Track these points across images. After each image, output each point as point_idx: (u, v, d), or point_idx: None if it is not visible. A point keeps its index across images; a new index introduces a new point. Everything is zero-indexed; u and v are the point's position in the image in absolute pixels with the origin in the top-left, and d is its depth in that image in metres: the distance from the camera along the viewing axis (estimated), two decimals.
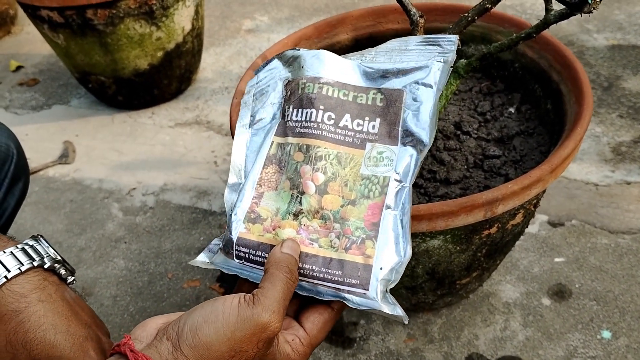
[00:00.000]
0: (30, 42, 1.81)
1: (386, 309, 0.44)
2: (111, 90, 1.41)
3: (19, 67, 1.70)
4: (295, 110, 0.51)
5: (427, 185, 0.77)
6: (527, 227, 0.82)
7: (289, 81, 0.54)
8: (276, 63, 0.57)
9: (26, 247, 0.51)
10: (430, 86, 0.50)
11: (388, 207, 0.47)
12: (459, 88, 0.93)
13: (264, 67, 0.57)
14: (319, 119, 0.49)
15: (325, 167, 0.48)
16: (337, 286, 0.45)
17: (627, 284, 0.91)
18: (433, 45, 0.53)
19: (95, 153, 1.36)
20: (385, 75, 0.51)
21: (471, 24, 0.72)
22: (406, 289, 0.83)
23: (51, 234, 1.16)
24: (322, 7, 1.80)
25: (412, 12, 0.73)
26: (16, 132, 0.76)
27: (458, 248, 0.73)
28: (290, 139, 0.50)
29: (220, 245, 0.51)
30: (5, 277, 0.48)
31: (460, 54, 0.94)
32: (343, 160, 0.48)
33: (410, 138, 0.49)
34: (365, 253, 0.45)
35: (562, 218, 1.03)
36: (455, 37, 0.53)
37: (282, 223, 0.49)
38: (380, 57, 0.54)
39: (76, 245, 1.13)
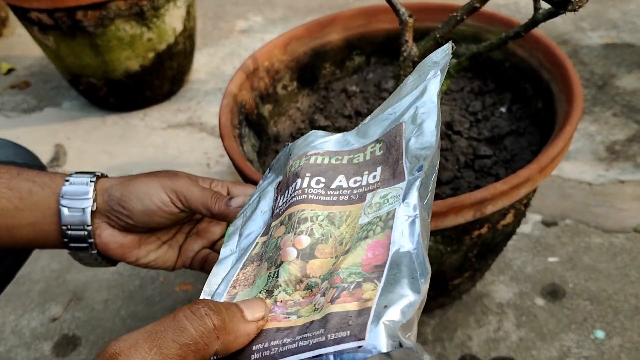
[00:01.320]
0: (21, 45, 1.80)
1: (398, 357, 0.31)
2: (102, 92, 1.40)
3: (10, 70, 1.69)
4: (281, 196, 0.43)
5: None
6: (518, 227, 0.81)
7: (279, 183, 0.46)
8: (268, 175, 0.50)
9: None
10: (431, 101, 0.42)
11: (395, 243, 0.35)
12: (450, 88, 0.92)
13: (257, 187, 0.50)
14: (304, 185, 0.41)
15: (312, 229, 0.38)
16: (315, 353, 0.31)
17: (620, 284, 0.91)
18: (426, 66, 0.45)
19: (86, 156, 1.35)
20: (381, 122, 0.44)
21: (462, 23, 0.72)
22: None
23: None
24: (316, 7, 1.79)
25: (401, 12, 0.73)
26: (8, 136, 0.75)
27: (449, 249, 0.72)
28: (274, 223, 0.42)
29: None
30: (97, 175, 0.53)
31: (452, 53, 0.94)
32: (337, 220, 0.39)
33: (417, 163, 0.39)
34: (362, 297, 0.32)
35: (556, 217, 1.03)
36: (447, 46, 0.45)
37: None
38: (376, 112, 0.46)
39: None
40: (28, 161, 0.66)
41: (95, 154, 1.35)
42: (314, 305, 0.34)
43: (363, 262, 0.35)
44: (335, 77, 0.98)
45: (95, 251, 0.53)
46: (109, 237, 0.53)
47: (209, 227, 0.58)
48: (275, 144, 0.89)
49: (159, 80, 1.41)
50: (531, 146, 0.80)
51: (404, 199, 0.36)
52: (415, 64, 0.77)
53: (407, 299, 0.31)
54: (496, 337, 0.87)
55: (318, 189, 0.41)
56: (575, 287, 0.92)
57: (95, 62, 1.30)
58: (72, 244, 0.52)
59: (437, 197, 0.75)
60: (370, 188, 0.40)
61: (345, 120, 0.90)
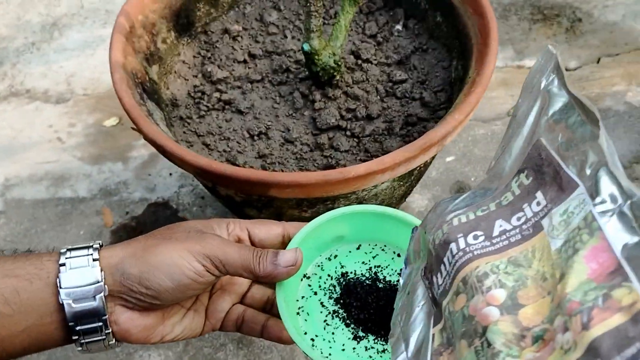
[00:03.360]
0: None
1: None
2: None
3: None
4: (436, 275, 0.38)
5: (352, 126, 0.74)
6: None
7: (424, 268, 0.41)
8: (405, 270, 0.45)
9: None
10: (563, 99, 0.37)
11: (616, 240, 0.30)
12: (338, 11, 0.88)
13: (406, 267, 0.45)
14: (462, 246, 0.36)
15: (499, 280, 0.33)
16: None
17: None
18: (532, 81, 0.40)
19: None
20: (511, 156, 0.39)
21: None
22: None
23: None
24: None
25: None
26: None
27: (401, 183, 0.73)
28: (445, 301, 0.37)
29: None
30: (95, 247, 0.44)
31: None
32: (523, 260, 0.34)
33: (583, 158, 0.33)
34: (623, 305, 0.26)
35: None
36: (547, 49, 0.39)
37: None
38: (497, 154, 0.42)
39: None
40: None
41: None
42: (561, 348, 0.28)
43: (591, 277, 0.29)
44: (212, 16, 0.87)
45: (113, 341, 0.43)
46: (129, 321, 0.43)
47: (232, 279, 0.51)
48: (175, 109, 0.78)
49: None
50: (440, 62, 0.81)
51: (594, 198, 0.32)
52: None
53: None
54: None
55: (479, 242, 0.36)
56: (476, 179, 1.00)
57: None
58: (83, 340, 0.42)
59: (375, 133, 0.74)
60: (542, 215, 0.35)
61: (243, 67, 0.82)
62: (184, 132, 0.76)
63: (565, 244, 0.32)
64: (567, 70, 1.16)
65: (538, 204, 0.35)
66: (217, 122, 0.77)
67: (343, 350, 0.48)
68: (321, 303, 0.51)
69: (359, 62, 0.81)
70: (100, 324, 0.42)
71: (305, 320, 0.50)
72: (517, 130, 0.40)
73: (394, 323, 0.42)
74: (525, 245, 0.34)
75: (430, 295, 0.39)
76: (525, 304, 0.31)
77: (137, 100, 0.68)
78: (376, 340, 0.49)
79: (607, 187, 0.31)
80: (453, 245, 0.36)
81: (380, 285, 0.52)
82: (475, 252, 0.35)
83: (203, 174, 0.63)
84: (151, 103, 0.72)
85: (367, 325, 0.50)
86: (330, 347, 0.48)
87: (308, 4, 0.70)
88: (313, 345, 0.48)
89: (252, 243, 0.49)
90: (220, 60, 0.83)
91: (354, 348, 0.49)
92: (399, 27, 0.86)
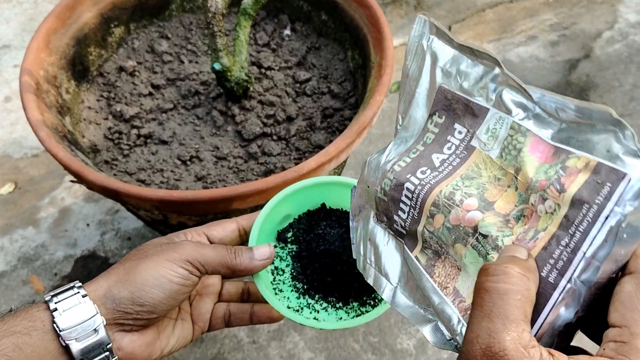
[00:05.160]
0: None
1: None
2: None
3: None
4: (398, 214, 0.44)
5: (276, 130, 0.79)
6: None
7: (375, 214, 0.47)
8: (358, 226, 0.50)
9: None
10: (445, 52, 0.44)
11: (543, 132, 0.36)
12: (227, 28, 0.92)
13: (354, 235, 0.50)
14: (416, 182, 0.42)
15: (464, 192, 0.39)
16: (600, 222, 0.31)
17: None
18: (414, 43, 0.46)
19: None
20: (418, 106, 0.45)
21: None
22: None
23: None
24: None
25: None
26: None
27: (335, 171, 0.79)
28: (419, 227, 0.42)
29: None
30: (77, 285, 0.45)
31: None
32: (473, 173, 0.40)
33: (486, 88, 0.40)
34: (580, 168, 0.32)
35: None
36: (418, 19, 0.45)
37: None
38: (404, 108, 0.47)
39: None
40: None
41: None
42: (545, 212, 0.34)
43: (542, 161, 0.35)
44: (103, 58, 0.86)
45: None
46: (131, 344, 0.45)
47: (205, 282, 0.54)
48: (97, 155, 0.77)
49: None
50: (336, 56, 0.88)
51: (510, 114, 0.38)
52: (224, 16, 0.75)
53: (611, 129, 0.32)
54: None
55: (429, 175, 0.41)
56: None
57: None
58: None
59: (300, 132, 0.79)
60: (468, 138, 0.41)
61: (150, 99, 0.83)
62: (115, 175, 0.75)
63: (504, 149, 0.39)
64: None
65: (460, 132, 0.41)
66: (143, 157, 0.77)
67: (326, 311, 0.53)
68: (292, 276, 0.55)
69: (263, 70, 0.85)
70: (107, 353, 0.43)
71: (283, 298, 0.54)
72: (416, 84, 0.46)
73: (363, 268, 0.48)
74: (467, 164, 0.40)
75: (392, 232, 0.46)
76: (495, 200, 0.38)
77: (70, 153, 0.67)
78: (348, 298, 0.54)
79: (514, 102, 0.39)
80: (408, 184, 0.42)
81: (334, 252, 0.55)
82: (431, 182, 0.41)
83: (162, 206, 0.64)
84: (80, 153, 0.71)
85: (334, 286, 0.54)
86: (311, 313, 0.53)
87: (211, 26, 0.73)
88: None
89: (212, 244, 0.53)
90: (125, 97, 0.83)
91: (333, 306, 0.53)
92: (287, 31, 0.92)
